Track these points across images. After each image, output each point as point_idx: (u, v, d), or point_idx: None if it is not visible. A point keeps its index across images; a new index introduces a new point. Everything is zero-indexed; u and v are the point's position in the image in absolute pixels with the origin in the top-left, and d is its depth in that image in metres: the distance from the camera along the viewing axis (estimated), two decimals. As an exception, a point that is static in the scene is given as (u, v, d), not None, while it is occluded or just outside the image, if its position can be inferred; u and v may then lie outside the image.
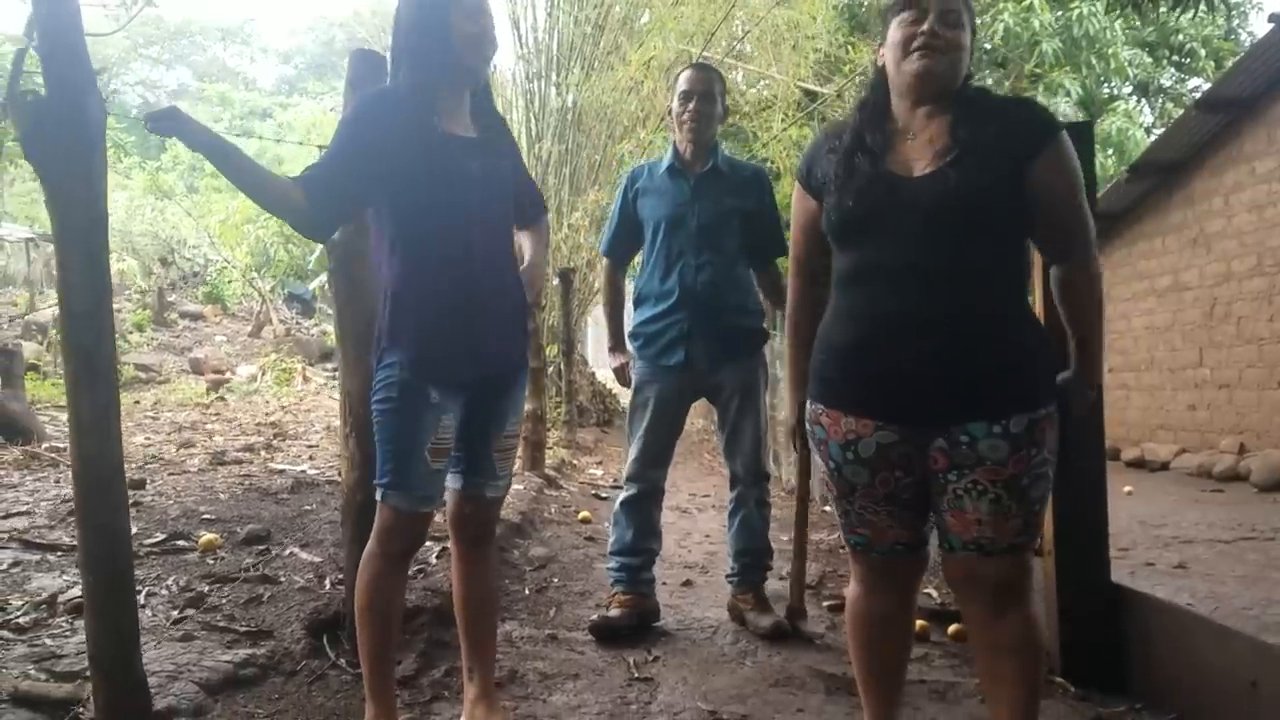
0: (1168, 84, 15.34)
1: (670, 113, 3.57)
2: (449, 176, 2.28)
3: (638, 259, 3.76)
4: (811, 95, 10.30)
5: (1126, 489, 8.00)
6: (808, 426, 2.15)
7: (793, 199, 2.24)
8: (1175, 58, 14.78)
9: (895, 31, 2.01)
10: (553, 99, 9.87)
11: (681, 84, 3.50)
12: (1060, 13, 12.55)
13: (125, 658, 1.79)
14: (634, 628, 3.39)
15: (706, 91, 3.46)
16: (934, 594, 3.97)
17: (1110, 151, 12.38)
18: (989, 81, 14.28)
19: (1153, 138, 12.74)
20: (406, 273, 2.28)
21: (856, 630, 2.20)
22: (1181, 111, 11.47)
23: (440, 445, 2.30)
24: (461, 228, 2.29)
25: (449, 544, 2.59)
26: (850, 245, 2.05)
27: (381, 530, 2.33)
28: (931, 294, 1.92)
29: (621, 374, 3.70)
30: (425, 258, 2.27)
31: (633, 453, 3.56)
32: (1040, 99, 12.54)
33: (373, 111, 2.26)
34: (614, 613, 3.41)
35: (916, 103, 2.01)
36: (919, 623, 3.47)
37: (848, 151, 2.04)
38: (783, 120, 10.22)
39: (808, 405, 2.14)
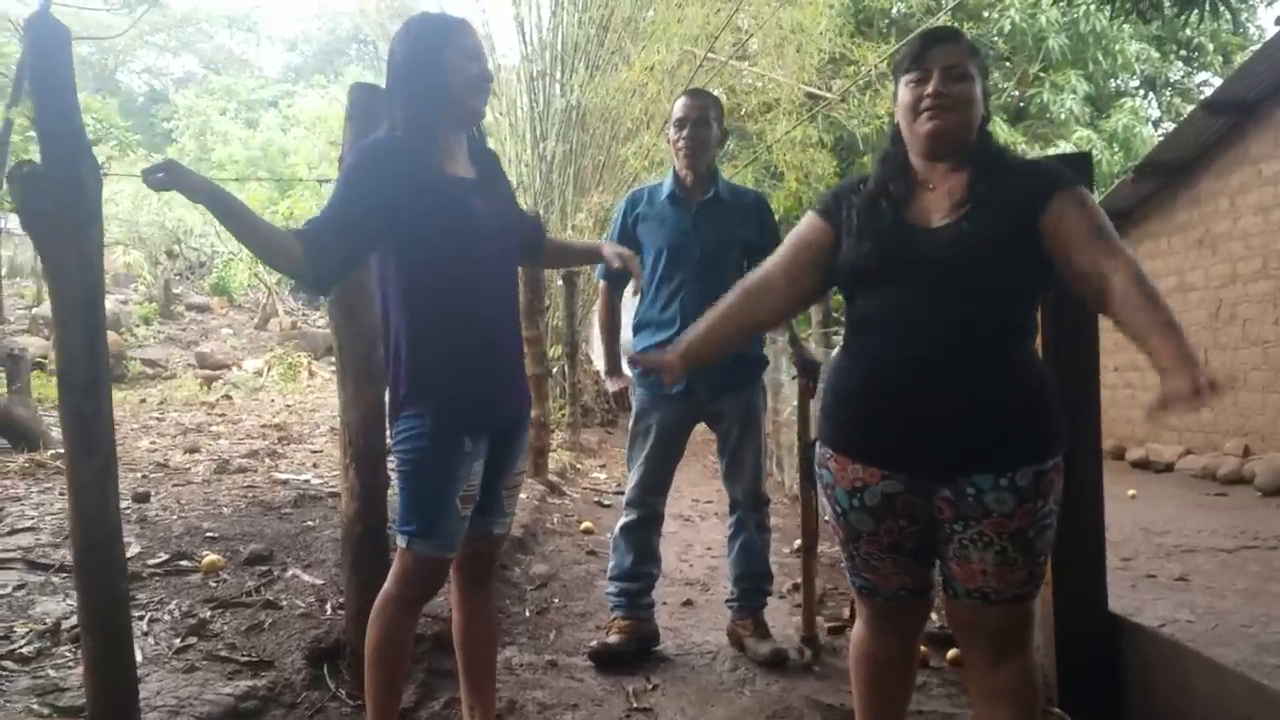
0: (1175, 78, 15.28)
1: (668, 139, 3.57)
2: (454, 221, 2.27)
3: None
4: (816, 97, 10.27)
5: (1130, 492, 8.00)
6: (817, 469, 2.17)
7: (801, 224, 2.23)
8: (1183, 52, 14.72)
9: (904, 92, 2.04)
10: (557, 99, 9.85)
11: (676, 111, 3.49)
12: (1067, 8, 12.49)
13: (125, 711, 1.80)
14: (634, 653, 3.42)
15: (701, 118, 3.44)
16: (934, 618, 3.97)
17: (1117, 148, 12.34)
18: (995, 76, 14.25)
19: (1160, 132, 12.72)
20: (423, 323, 2.27)
21: (859, 669, 2.23)
22: (1190, 106, 11.44)
23: (469, 493, 2.31)
24: (472, 273, 2.29)
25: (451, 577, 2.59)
26: (864, 292, 2.07)
27: (404, 576, 2.32)
28: (941, 344, 1.93)
29: (621, 399, 3.72)
30: (441, 308, 2.26)
31: (633, 479, 3.57)
32: (1047, 95, 12.54)
33: (371, 163, 2.23)
34: (613, 639, 3.44)
35: (932, 160, 2.04)
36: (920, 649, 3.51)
37: (871, 198, 2.07)
38: (786, 121, 10.20)
39: (817, 447, 2.17)
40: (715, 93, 10.80)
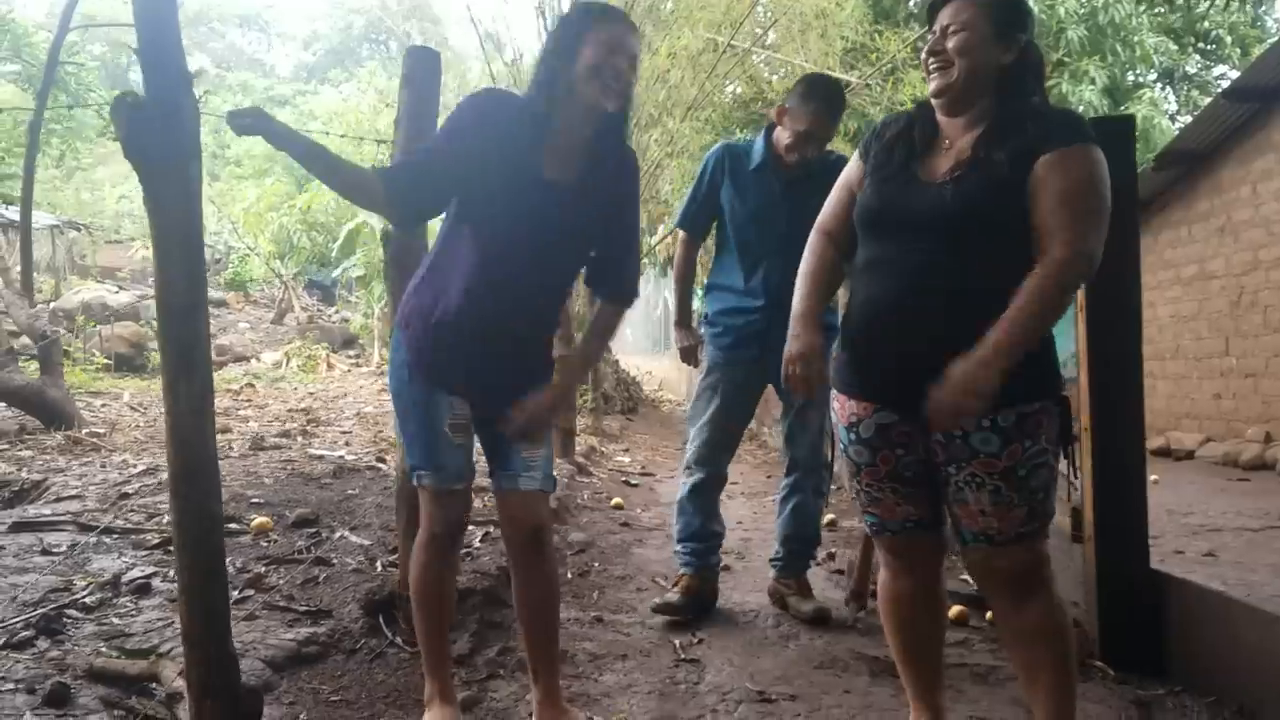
0: (1193, 71, 15.25)
1: (784, 113, 3.41)
2: (523, 214, 2.22)
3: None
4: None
5: (1153, 478, 7.96)
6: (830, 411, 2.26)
7: (849, 164, 2.28)
8: (1201, 45, 14.70)
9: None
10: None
11: (804, 123, 3.34)
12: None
13: (219, 635, 1.87)
14: (694, 608, 3.46)
15: (825, 137, 3.41)
16: (969, 580, 4.03)
17: (1136, 139, 12.33)
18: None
19: (1178, 125, 12.72)
20: (438, 271, 2.28)
21: (888, 613, 2.28)
22: (1207, 99, 11.44)
23: (458, 421, 2.31)
24: (511, 264, 2.23)
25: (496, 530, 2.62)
26: (866, 236, 2.14)
27: (425, 514, 2.39)
28: (927, 290, 1.99)
29: (690, 355, 3.70)
30: (465, 271, 2.23)
31: (700, 437, 3.54)
32: (1065, 86, 12.54)
33: (473, 111, 2.22)
34: (675, 597, 3.46)
35: (948, 113, 2.08)
36: (957, 608, 3.55)
37: (891, 143, 2.13)
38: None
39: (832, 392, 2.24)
40: (734, 82, 10.85)
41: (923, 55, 2.09)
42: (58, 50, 7.98)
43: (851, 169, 2.26)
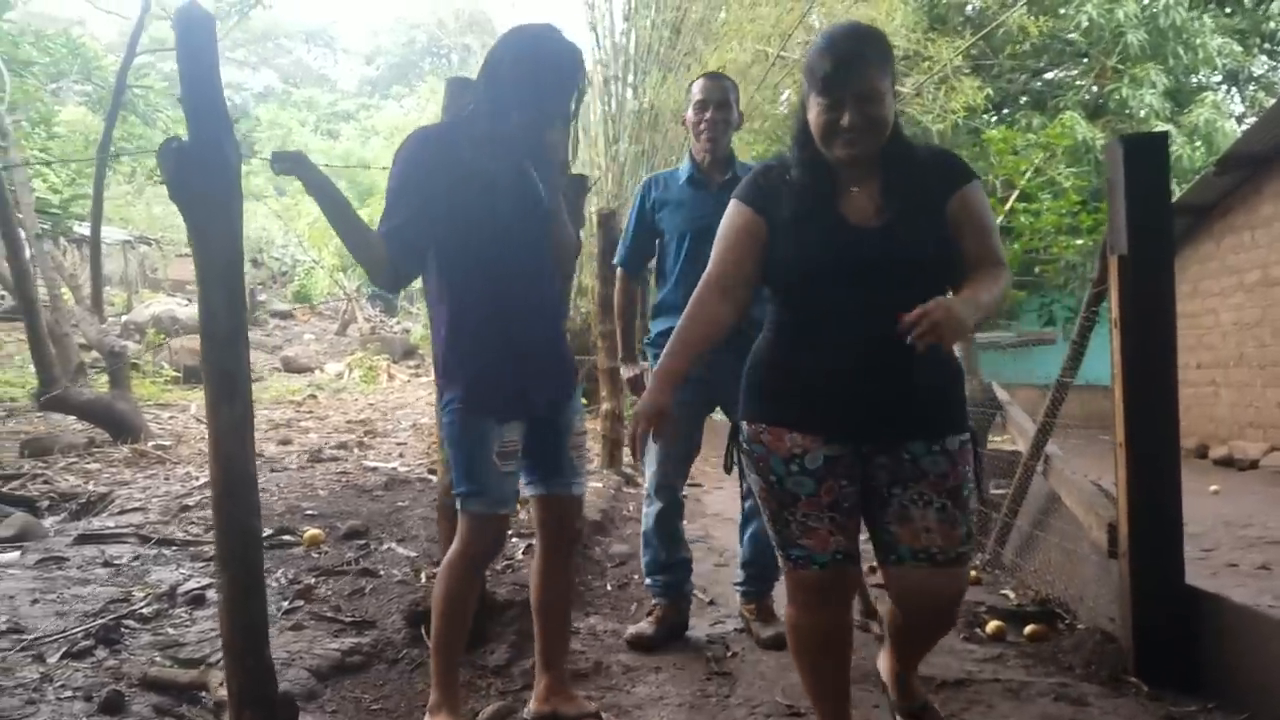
0: (1259, 72, 14.95)
1: (685, 122, 3.54)
2: (497, 222, 2.38)
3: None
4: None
5: (1213, 488, 7.87)
6: (744, 445, 2.22)
7: (728, 216, 2.26)
8: (1267, 46, 14.40)
9: (814, 112, 2.06)
10: (630, 101, 10.03)
11: (696, 93, 3.46)
12: (1146, 3, 12.33)
13: (256, 647, 1.98)
14: (665, 640, 3.42)
15: (722, 100, 3.43)
16: (1010, 595, 4.03)
17: (1199, 143, 12.12)
18: (1073, 73, 14.10)
19: (1243, 127, 12.45)
20: (455, 321, 2.43)
21: (802, 649, 2.29)
22: (1273, 101, 11.19)
23: (506, 449, 2.42)
24: (505, 271, 2.40)
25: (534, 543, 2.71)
26: (805, 285, 2.16)
27: (464, 535, 2.48)
28: (882, 332, 1.99)
29: (636, 384, 3.70)
30: (473, 308, 2.41)
31: (653, 464, 3.53)
32: (1125, 92, 12.37)
33: (421, 167, 2.37)
34: (649, 629, 3.43)
35: (852, 166, 2.11)
36: (995, 623, 3.56)
37: (801, 192, 2.13)
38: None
39: (744, 424, 2.23)
40: (786, 91, 10.89)
41: (829, 122, 2.03)
42: (125, 73, 8.28)
43: (743, 221, 2.21)
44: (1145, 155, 3.09)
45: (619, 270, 3.75)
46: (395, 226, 2.31)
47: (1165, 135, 3.35)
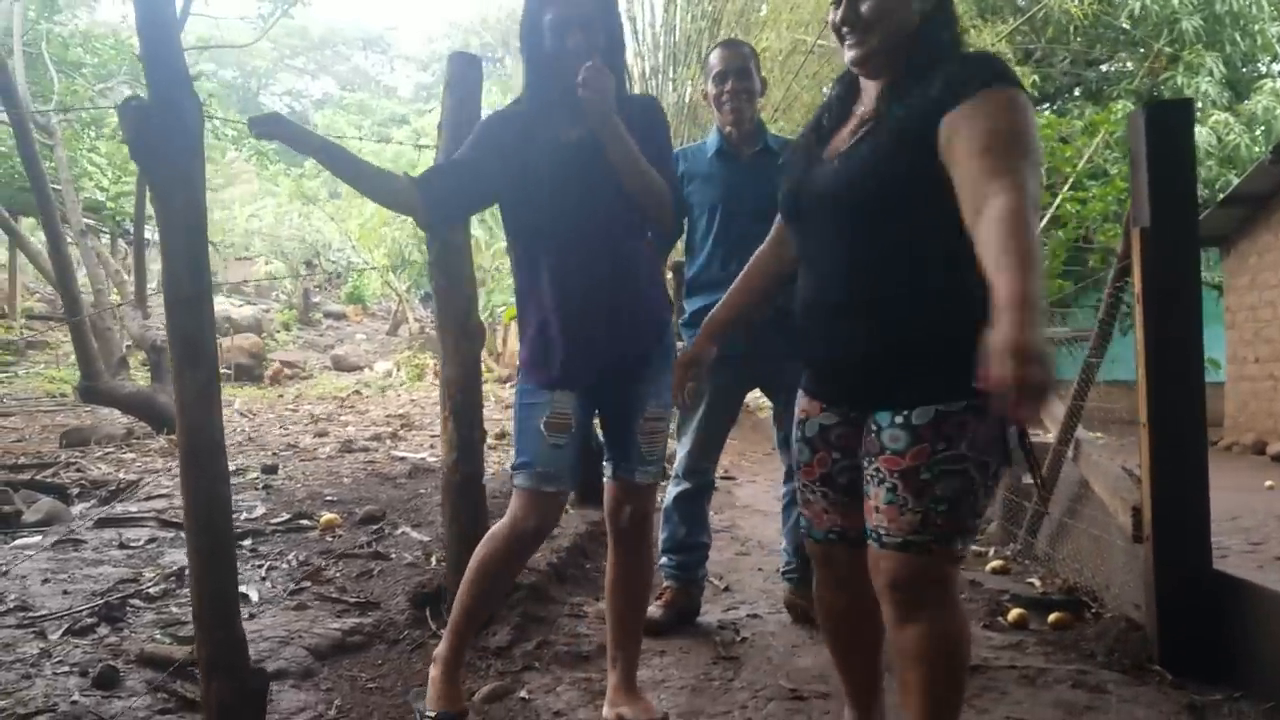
0: (1323, 58, 14.46)
1: (706, 95, 3.42)
2: (550, 186, 2.29)
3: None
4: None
5: (1268, 483, 7.65)
6: None
7: None
8: (1331, 30, 13.92)
9: (829, 14, 1.92)
10: (669, 94, 9.96)
11: (714, 63, 3.34)
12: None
13: (226, 616, 1.95)
14: (674, 624, 3.34)
15: (742, 68, 3.31)
16: (1036, 583, 3.91)
17: (1257, 131, 11.75)
18: (1126, 65, 13.77)
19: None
20: (520, 288, 2.42)
21: (820, 619, 2.23)
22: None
23: (556, 421, 2.32)
24: (559, 234, 2.30)
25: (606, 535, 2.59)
26: (791, 229, 2.06)
27: (511, 509, 2.38)
28: (836, 280, 1.87)
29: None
30: (529, 265, 2.36)
31: (687, 445, 3.43)
32: (1180, 79, 12.05)
33: (494, 122, 2.41)
34: (657, 613, 3.31)
35: (871, 78, 1.90)
36: (1017, 611, 3.45)
37: (805, 131, 2.02)
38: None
39: None
40: (830, 78, 10.73)
41: (831, 24, 1.89)
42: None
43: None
44: (1168, 124, 2.96)
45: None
46: (442, 168, 2.38)
47: (1189, 102, 3.22)
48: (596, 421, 2.62)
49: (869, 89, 1.90)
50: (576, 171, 2.28)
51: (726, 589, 3.89)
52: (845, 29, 1.83)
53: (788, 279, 2.15)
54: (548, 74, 2.33)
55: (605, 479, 2.50)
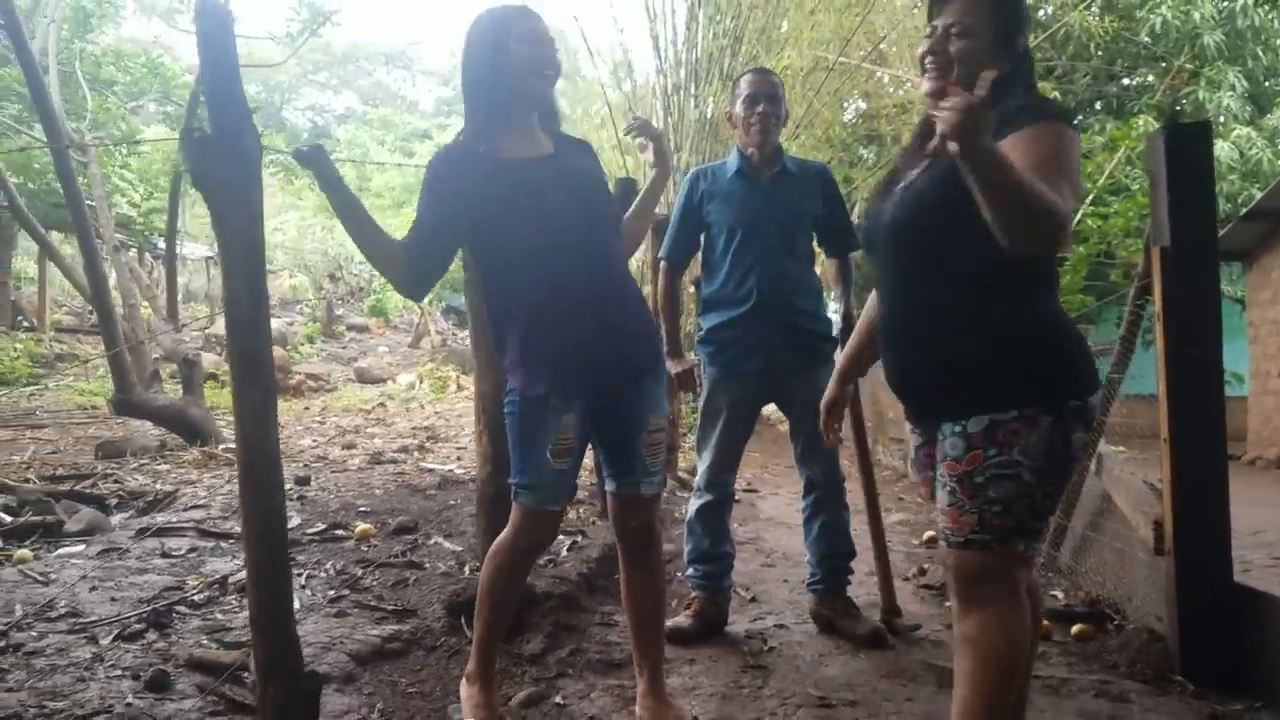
0: (1346, 73, 14.41)
1: (732, 117, 3.54)
2: (520, 197, 2.33)
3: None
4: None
5: (1303, 498, 7.63)
6: None
7: None
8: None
9: (919, 46, 2.04)
10: (691, 110, 10.07)
11: (745, 88, 3.48)
12: (1224, 4, 12.01)
13: (281, 621, 2.04)
14: (703, 633, 3.42)
15: (772, 95, 3.44)
16: (1059, 595, 3.96)
17: (1280, 145, 11.74)
18: (1148, 78, 13.78)
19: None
20: (504, 302, 2.41)
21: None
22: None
23: (562, 446, 2.37)
24: (547, 243, 2.33)
25: (617, 548, 2.66)
26: (865, 261, 2.23)
27: (513, 524, 2.47)
28: (896, 304, 2.04)
29: (686, 379, 3.62)
30: (517, 285, 2.37)
31: (707, 459, 3.53)
32: (1202, 94, 12.06)
33: (440, 166, 2.38)
34: (686, 622, 3.42)
35: None
36: (1041, 623, 3.50)
37: (887, 172, 2.18)
38: (924, 123, 10.14)
39: None
40: (852, 97, 10.83)
41: (919, 53, 2.01)
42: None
43: None
44: (1187, 145, 3.03)
45: (662, 264, 3.70)
46: (414, 230, 2.36)
47: (1207, 124, 3.29)
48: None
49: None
50: (555, 192, 2.36)
51: (753, 600, 3.96)
52: (930, 59, 1.95)
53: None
54: (506, 96, 2.37)
55: (609, 492, 2.56)
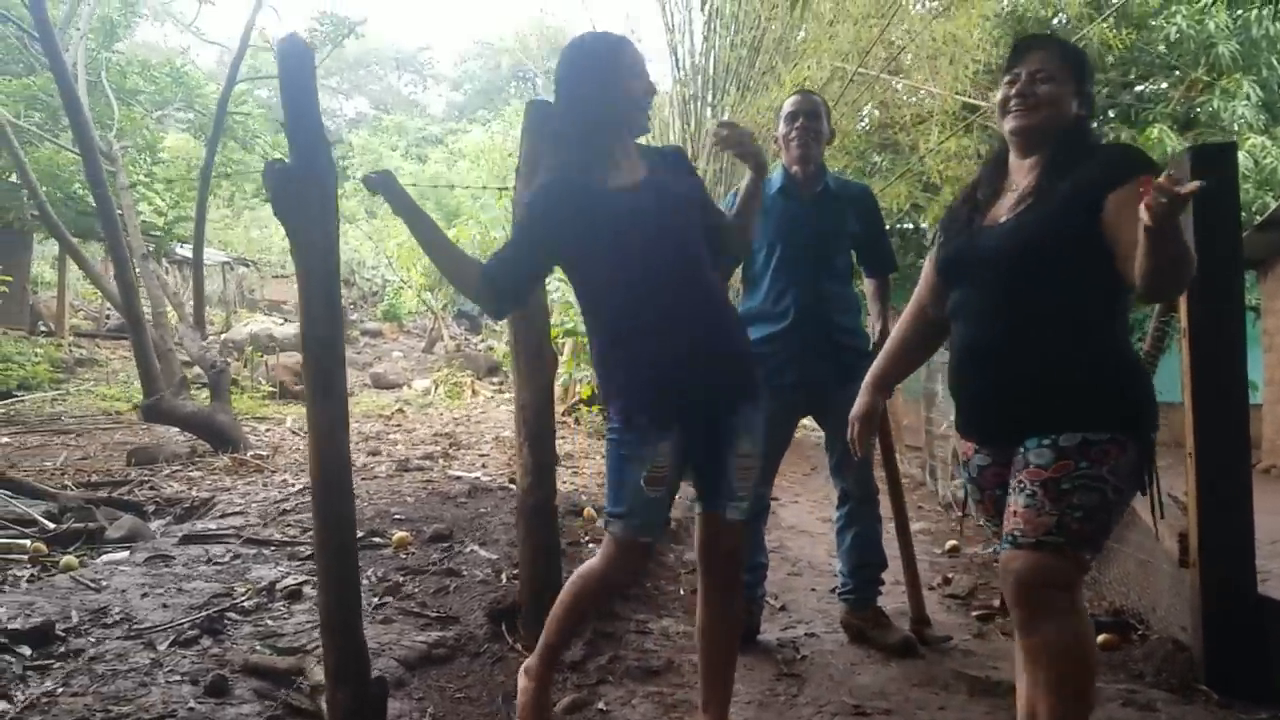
0: (1362, 83, 14.43)
1: (777, 138, 3.62)
2: (622, 237, 2.35)
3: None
4: (973, 108, 10.25)
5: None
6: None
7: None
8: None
9: (1000, 91, 2.25)
10: (708, 120, 10.17)
11: (788, 106, 3.58)
12: (1239, 13, 12.05)
13: (350, 626, 2.13)
14: None
15: (813, 111, 3.52)
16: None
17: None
18: (1162, 86, 13.82)
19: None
20: (603, 331, 2.45)
21: None
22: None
23: (656, 474, 2.34)
24: (642, 273, 2.34)
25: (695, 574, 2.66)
26: (947, 285, 2.34)
27: (604, 554, 2.46)
28: (996, 330, 2.17)
29: None
30: (615, 315, 2.41)
31: None
32: (1216, 103, 12.10)
33: (542, 204, 2.42)
34: None
35: (1022, 155, 2.23)
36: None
37: (959, 204, 2.35)
38: (941, 132, 10.23)
39: None
40: (867, 106, 10.91)
41: (1005, 96, 2.22)
42: (225, 101, 8.69)
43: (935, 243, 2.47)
44: (1213, 164, 3.11)
45: None
46: (500, 263, 2.42)
47: (1233, 145, 3.38)
48: None
49: (1019, 168, 2.22)
50: (654, 221, 2.36)
51: (783, 608, 4.05)
52: (1016, 101, 2.17)
53: (932, 330, 2.50)
54: (616, 128, 2.42)
55: (696, 514, 2.53)
